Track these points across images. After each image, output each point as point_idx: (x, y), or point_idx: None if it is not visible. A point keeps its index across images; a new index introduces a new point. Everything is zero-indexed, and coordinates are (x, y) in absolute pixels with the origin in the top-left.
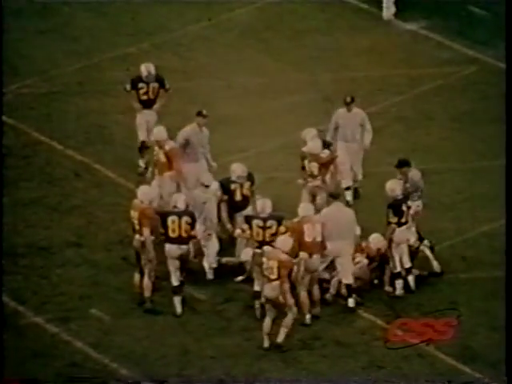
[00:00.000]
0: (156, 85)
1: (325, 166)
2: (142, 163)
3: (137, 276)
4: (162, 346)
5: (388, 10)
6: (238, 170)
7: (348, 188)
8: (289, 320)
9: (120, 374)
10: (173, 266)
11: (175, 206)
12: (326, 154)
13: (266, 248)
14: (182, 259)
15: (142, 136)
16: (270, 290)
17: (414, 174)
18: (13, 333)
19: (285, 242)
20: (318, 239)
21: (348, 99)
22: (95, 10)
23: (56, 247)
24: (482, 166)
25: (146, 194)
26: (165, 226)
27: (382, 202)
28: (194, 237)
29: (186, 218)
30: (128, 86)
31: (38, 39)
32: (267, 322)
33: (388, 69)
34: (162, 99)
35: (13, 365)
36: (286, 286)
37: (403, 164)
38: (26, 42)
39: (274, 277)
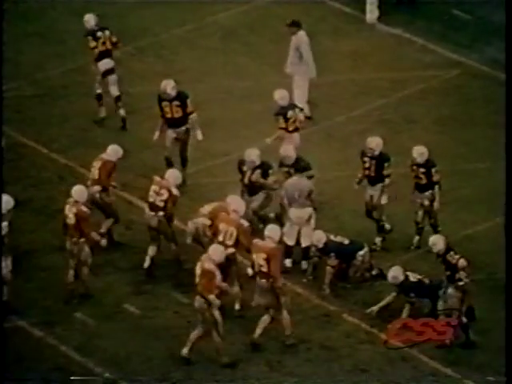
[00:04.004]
0: None
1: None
2: None
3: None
4: (146, 350)
5: (371, 13)
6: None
7: None
8: None
9: (104, 377)
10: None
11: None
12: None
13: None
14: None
15: None
16: None
17: None
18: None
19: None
20: None
21: None
22: (80, 13)
23: (41, 251)
24: (466, 169)
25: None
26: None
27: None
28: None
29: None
30: None
31: (23, 42)
32: None
33: (371, 72)
34: None
35: None
36: None
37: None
38: (10, 45)
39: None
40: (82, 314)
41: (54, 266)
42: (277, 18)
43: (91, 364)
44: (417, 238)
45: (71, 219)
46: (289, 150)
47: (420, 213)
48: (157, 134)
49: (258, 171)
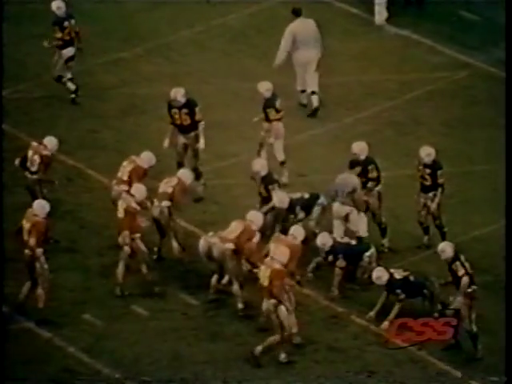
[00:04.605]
0: None
1: None
2: None
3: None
4: (154, 351)
5: (380, 15)
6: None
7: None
8: None
9: (112, 379)
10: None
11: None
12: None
13: None
14: None
15: None
16: None
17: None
18: (5, 338)
19: None
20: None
21: None
22: (87, 14)
23: (48, 252)
24: (473, 170)
25: None
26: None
27: None
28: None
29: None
30: None
31: (31, 44)
32: None
33: (379, 74)
34: None
35: (5, 370)
36: None
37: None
38: (18, 47)
39: None
40: (90, 315)
41: (61, 267)
42: (284, 19)
43: (99, 365)
44: (426, 237)
45: (121, 213)
46: (284, 202)
47: (423, 213)
48: (166, 141)
49: (263, 186)
